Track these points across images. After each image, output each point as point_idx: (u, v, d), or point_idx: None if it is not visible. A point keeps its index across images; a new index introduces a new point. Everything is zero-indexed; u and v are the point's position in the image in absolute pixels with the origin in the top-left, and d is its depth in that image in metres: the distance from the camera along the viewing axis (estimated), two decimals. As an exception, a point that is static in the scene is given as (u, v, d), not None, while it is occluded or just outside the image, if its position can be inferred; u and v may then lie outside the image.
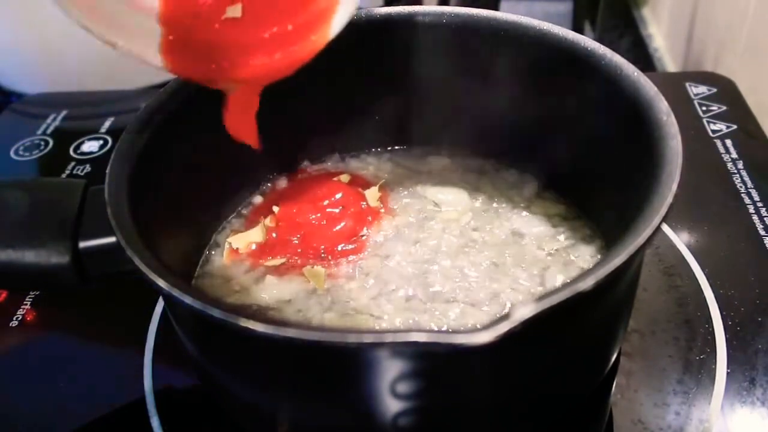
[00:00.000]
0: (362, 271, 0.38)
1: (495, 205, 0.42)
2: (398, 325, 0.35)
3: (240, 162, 0.41)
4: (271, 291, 0.37)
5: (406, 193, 0.43)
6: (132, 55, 0.33)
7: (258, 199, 0.44)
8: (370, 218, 0.41)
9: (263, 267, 0.39)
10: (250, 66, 0.35)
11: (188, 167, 0.37)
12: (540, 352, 0.27)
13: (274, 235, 0.40)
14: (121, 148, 0.32)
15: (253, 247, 0.40)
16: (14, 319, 0.43)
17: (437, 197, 0.43)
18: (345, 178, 0.44)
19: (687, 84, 0.59)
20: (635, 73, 0.33)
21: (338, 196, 0.42)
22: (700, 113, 0.56)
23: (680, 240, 0.44)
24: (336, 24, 0.35)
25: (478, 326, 0.22)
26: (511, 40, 0.38)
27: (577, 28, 1.07)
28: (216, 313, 0.24)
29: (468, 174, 0.44)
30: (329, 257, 0.39)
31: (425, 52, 0.41)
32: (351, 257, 0.39)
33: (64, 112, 0.63)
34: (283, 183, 0.45)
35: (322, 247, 0.39)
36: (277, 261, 0.39)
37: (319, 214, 0.41)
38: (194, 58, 0.35)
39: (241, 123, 0.37)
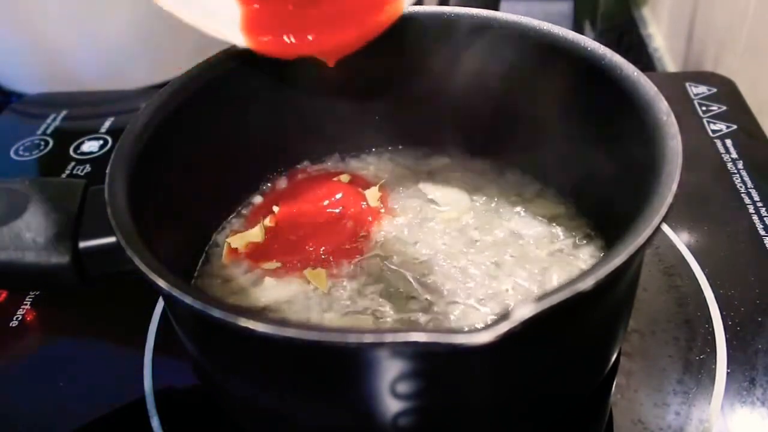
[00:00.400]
0: (362, 271, 0.38)
1: (495, 205, 0.42)
2: (398, 325, 0.35)
3: (240, 162, 0.42)
4: (270, 292, 0.37)
5: (406, 193, 0.43)
6: (216, 35, 0.34)
7: (258, 199, 0.44)
8: (370, 218, 0.41)
9: (261, 269, 0.39)
10: (330, 39, 0.36)
11: (188, 167, 0.37)
12: (540, 352, 0.27)
13: (273, 235, 0.40)
14: (121, 148, 0.32)
15: (252, 247, 0.40)
16: (14, 319, 0.43)
17: (438, 197, 0.43)
18: (345, 178, 0.44)
19: (687, 84, 0.59)
20: (635, 73, 0.33)
21: (338, 196, 0.42)
22: (700, 113, 0.56)
23: (680, 240, 0.44)
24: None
25: (478, 326, 0.22)
26: (511, 40, 0.38)
27: (577, 28, 1.07)
28: (216, 313, 0.24)
29: (468, 174, 0.44)
30: (329, 258, 0.39)
31: (425, 51, 0.41)
32: (351, 257, 0.39)
33: (64, 112, 0.63)
34: (283, 183, 0.45)
35: (322, 248, 0.39)
36: (273, 265, 0.39)
37: (318, 215, 0.40)
38: (275, 35, 0.35)
39: None
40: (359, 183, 0.43)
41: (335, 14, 0.36)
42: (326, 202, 0.41)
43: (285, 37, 0.35)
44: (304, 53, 0.36)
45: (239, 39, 0.35)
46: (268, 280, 0.38)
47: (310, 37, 0.35)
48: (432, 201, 0.42)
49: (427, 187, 0.43)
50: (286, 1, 0.36)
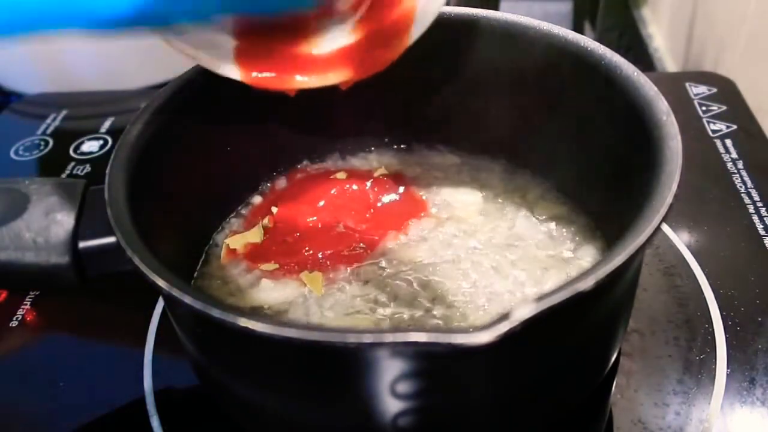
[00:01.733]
0: (362, 273, 0.38)
1: (497, 206, 0.42)
2: (398, 326, 0.35)
3: (239, 162, 0.41)
4: (268, 294, 0.37)
5: (412, 191, 0.43)
6: (210, 67, 0.34)
7: (257, 199, 0.44)
8: (375, 235, 0.40)
9: (259, 270, 0.39)
10: (328, 79, 0.35)
11: (188, 167, 0.37)
12: (540, 352, 0.27)
13: (271, 236, 0.40)
14: (121, 149, 0.32)
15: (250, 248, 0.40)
16: (14, 319, 0.43)
17: (438, 197, 0.42)
18: (342, 175, 0.43)
19: (687, 84, 0.59)
20: (635, 73, 0.33)
21: (337, 201, 0.41)
22: (700, 113, 0.56)
23: (680, 240, 0.44)
24: (413, 36, 0.35)
25: (478, 326, 0.22)
26: (511, 40, 0.38)
27: (577, 28, 1.07)
28: (216, 312, 0.24)
29: (469, 174, 0.44)
30: (327, 262, 0.38)
31: (425, 51, 0.41)
32: (350, 263, 0.38)
33: (64, 112, 0.63)
34: (282, 183, 0.45)
35: (320, 253, 0.39)
36: (271, 266, 0.38)
37: (316, 216, 0.40)
38: (270, 70, 0.35)
39: None
40: (357, 176, 0.43)
41: (336, 55, 0.35)
42: (322, 203, 0.41)
43: (275, 76, 0.35)
44: (297, 90, 0.35)
45: (233, 72, 0.35)
46: (265, 282, 0.38)
47: (306, 78, 0.35)
48: (434, 201, 0.42)
49: (429, 186, 0.43)
50: (278, 39, 0.35)
